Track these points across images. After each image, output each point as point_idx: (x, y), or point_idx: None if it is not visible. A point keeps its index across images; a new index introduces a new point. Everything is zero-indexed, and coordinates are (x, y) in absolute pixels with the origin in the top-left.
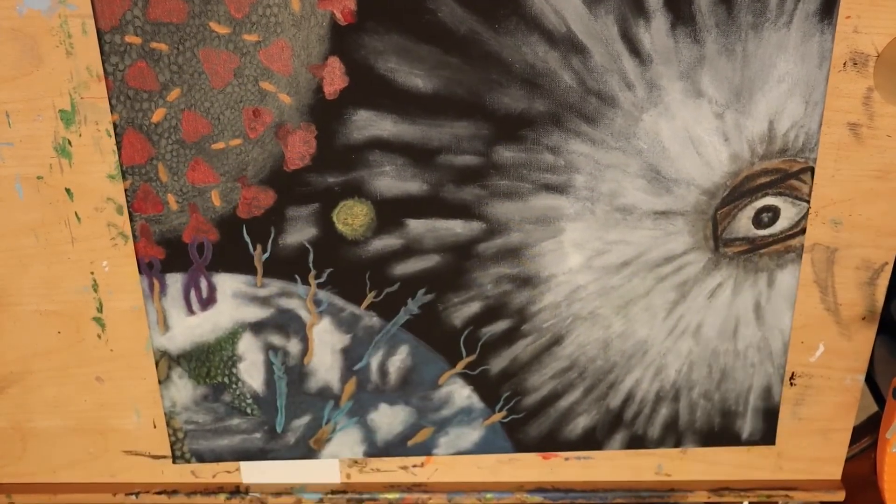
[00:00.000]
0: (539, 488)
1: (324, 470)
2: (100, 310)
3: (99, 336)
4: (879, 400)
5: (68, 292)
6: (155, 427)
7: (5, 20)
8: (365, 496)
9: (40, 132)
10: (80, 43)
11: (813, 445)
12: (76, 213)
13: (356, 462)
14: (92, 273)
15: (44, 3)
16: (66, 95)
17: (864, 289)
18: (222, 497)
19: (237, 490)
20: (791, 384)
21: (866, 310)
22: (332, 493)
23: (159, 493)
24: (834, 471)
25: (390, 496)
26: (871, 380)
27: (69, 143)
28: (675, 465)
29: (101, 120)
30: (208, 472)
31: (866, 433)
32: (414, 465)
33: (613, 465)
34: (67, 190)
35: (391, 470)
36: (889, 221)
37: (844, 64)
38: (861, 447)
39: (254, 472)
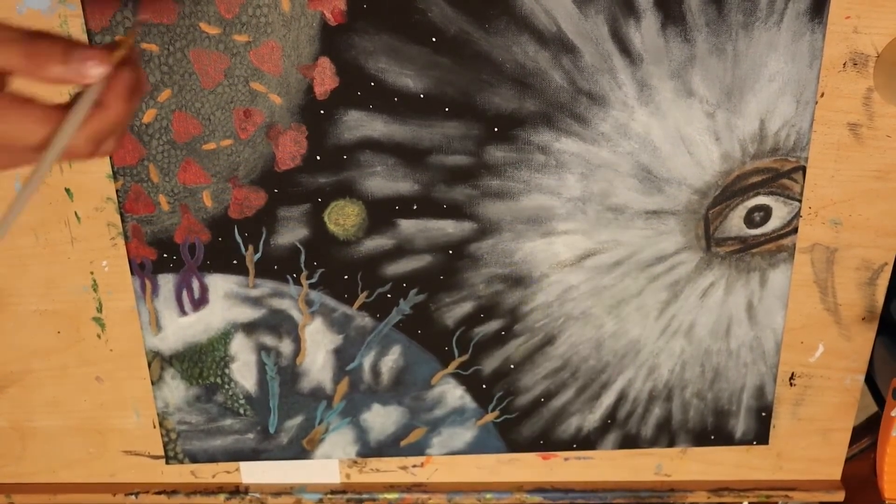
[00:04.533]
0: (538, 488)
1: (323, 470)
2: (99, 310)
3: (98, 336)
4: (879, 400)
5: (68, 292)
6: (154, 427)
7: (5, 20)
8: (364, 496)
9: None
10: None
11: (812, 446)
12: (76, 213)
13: (356, 462)
14: (92, 273)
15: (44, 3)
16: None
17: (864, 289)
18: (222, 497)
19: (237, 490)
20: (791, 384)
21: (866, 310)
22: (332, 493)
23: (159, 493)
24: (833, 471)
25: (390, 496)
26: (870, 380)
27: None
28: (674, 466)
29: None
30: (208, 472)
31: (866, 433)
32: (413, 466)
33: (613, 465)
34: (67, 190)
35: (391, 470)
36: (889, 222)
37: (844, 64)
38: (861, 447)
39: (253, 472)
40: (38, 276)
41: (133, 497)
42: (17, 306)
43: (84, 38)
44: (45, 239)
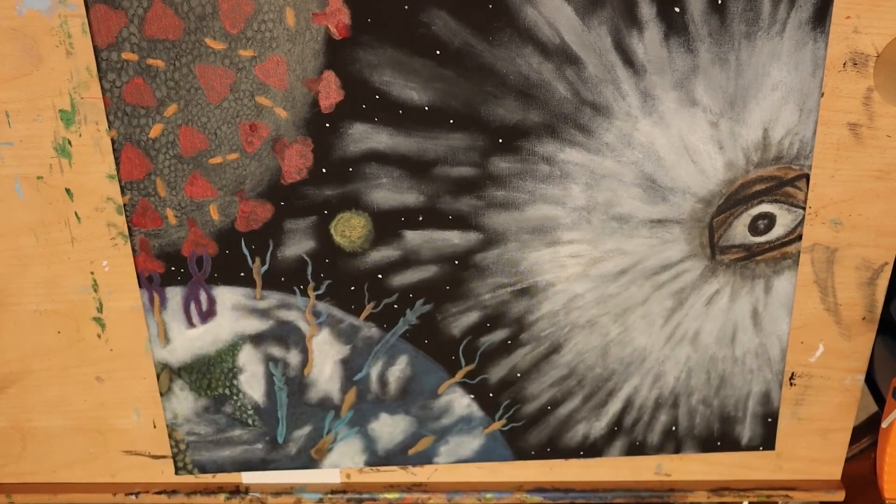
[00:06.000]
0: (539, 488)
1: (324, 470)
2: (100, 310)
3: (99, 336)
4: (879, 400)
5: (68, 292)
6: (155, 427)
7: (5, 20)
8: (365, 496)
9: (40, 132)
10: (80, 43)
11: (813, 445)
12: (76, 213)
13: None
14: (92, 273)
15: (44, 3)
16: (66, 95)
17: (864, 289)
18: (222, 497)
19: (237, 490)
20: (791, 384)
21: (866, 310)
22: (332, 493)
23: (159, 492)
24: (834, 471)
25: (390, 496)
26: (870, 380)
27: (69, 143)
28: (674, 465)
29: (101, 120)
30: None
31: (866, 433)
32: (414, 465)
33: (613, 465)
34: (67, 190)
35: (391, 470)
36: (889, 221)
37: (844, 64)
38: (861, 447)
39: (254, 473)
40: (38, 276)
41: (133, 497)
42: (17, 306)
43: (83, 39)
44: (45, 239)
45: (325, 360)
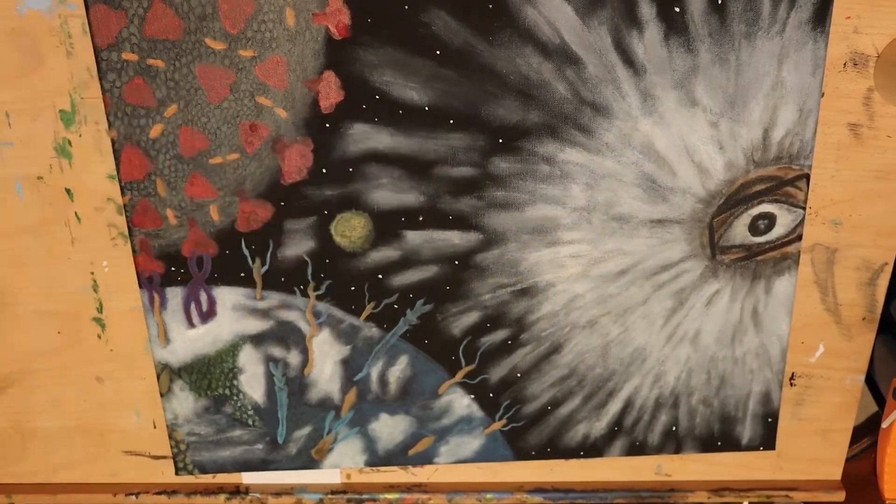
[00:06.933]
0: (539, 488)
1: (324, 470)
2: (100, 310)
3: (99, 336)
4: (879, 400)
5: (68, 292)
6: (155, 427)
7: (5, 20)
8: (365, 496)
9: (40, 132)
10: (81, 43)
11: (813, 446)
12: (76, 213)
13: None
14: (92, 273)
15: (44, 3)
16: (66, 95)
17: (865, 289)
18: (222, 497)
19: (237, 490)
20: (791, 384)
21: (866, 310)
22: (332, 493)
23: (159, 493)
24: (834, 471)
25: (390, 496)
26: (871, 380)
27: (69, 143)
28: (674, 466)
29: (101, 120)
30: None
31: (866, 433)
32: (414, 466)
33: (613, 465)
34: (67, 190)
35: (391, 470)
36: (889, 221)
37: (844, 64)
38: (861, 447)
39: (254, 473)
40: (38, 276)
41: (133, 497)
42: (17, 306)
43: (84, 39)
44: (45, 239)
45: (325, 361)
